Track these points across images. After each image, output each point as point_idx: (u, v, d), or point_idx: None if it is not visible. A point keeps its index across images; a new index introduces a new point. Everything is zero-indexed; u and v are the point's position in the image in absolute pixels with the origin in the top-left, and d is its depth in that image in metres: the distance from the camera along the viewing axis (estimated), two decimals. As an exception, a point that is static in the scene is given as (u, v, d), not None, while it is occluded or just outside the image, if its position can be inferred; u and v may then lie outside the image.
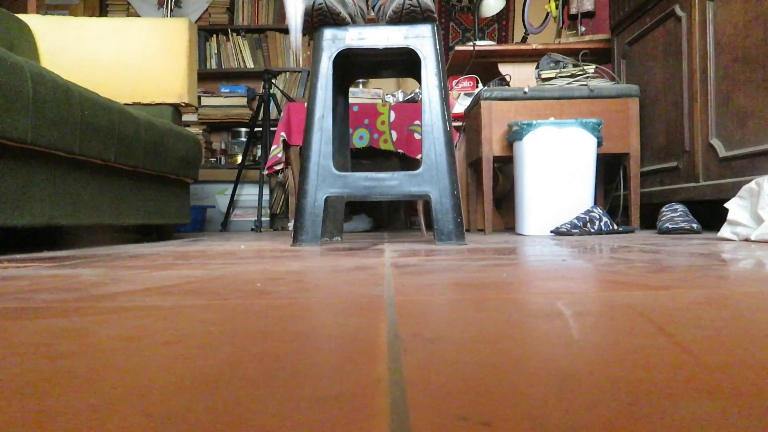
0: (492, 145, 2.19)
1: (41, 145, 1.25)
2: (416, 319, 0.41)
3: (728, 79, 1.79)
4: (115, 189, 1.64)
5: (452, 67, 2.84)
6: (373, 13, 1.71)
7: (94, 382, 0.26)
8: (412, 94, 2.78)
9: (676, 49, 2.05)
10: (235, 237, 2.25)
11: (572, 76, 2.27)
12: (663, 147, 2.18)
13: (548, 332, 0.36)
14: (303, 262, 0.91)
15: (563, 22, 2.78)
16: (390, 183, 1.42)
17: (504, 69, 2.70)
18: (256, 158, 3.69)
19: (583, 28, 2.77)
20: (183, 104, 2.13)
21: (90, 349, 0.33)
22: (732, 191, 1.60)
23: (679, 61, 2.04)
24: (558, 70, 2.28)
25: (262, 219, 3.50)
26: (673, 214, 1.84)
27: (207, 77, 3.92)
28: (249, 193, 3.56)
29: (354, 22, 1.52)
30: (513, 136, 2.04)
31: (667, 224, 1.81)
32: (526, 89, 2.19)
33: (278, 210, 3.72)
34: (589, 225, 1.88)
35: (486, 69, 2.83)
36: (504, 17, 3.98)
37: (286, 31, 3.84)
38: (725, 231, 1.38)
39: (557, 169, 1.94)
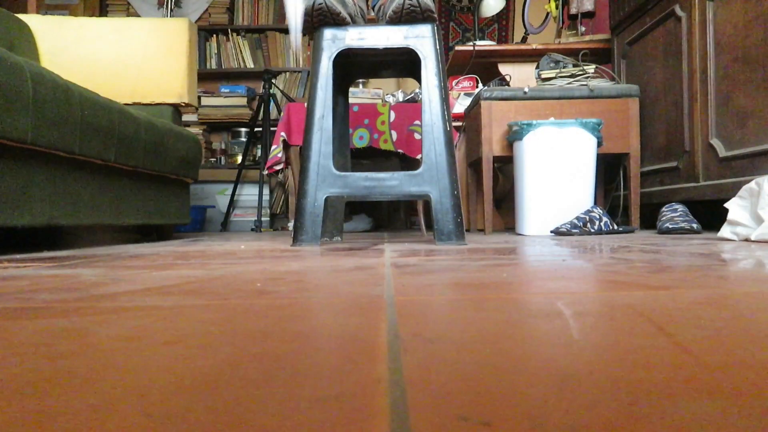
0: (492, 145, 2.19)
1: (41, 145, 1.25)
2: (416, 319, 0.41)
3: (728, 79, 1.79)
4: (115, 189, 1.64)
5: (452, 67, 2.84)
6: (373, 13, 1.71)
7: (94, 382, 0.26)
8: (412, 94, 2.78)
9: (676, 49, 2.05)
10: (235, 237, 2.25)
11: (572, 76, 2.27)
12: (663, 147, 2.18)
13: (548, 332, 0.36)
14: (303, 262, 0.91)
15: (563, 22, 2.78)
16: (390, 183, 1.42)
17: (504, 69, 2.70)
18: (256, 158, 3.69)
19: (583, 28, 2.77)
20: (183, 104, 2.13)
21: (90, 349, 0.33)
22: (732, 191, 1.60)
23: (679, 61, 2.04)
24: (558, 70, 2.28)
25: (262, 219, 3.50)
26: (673, 214, 1.84)
27: (207, 77, 3.92)
28: (249, 193, 3.55)
29: (354, 22, 1.52)
30: (513, 136, 2.04)
31: (667, 224, 1.81)
32: (526, 89, 2.19)
33: (278, 210, 3.72)
34: (589, 225, 1.88)
35: (486, 69, 2.83)
36: (504, 17, 3.98)
37: (286, 31, 3.84)
38: (725, 231, 1.38)
39: (557, 169, 1.94)
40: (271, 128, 3.28)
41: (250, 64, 3.82)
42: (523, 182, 2.01)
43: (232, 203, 3.35)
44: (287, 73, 3.83)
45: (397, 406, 0.22)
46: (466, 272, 0.72)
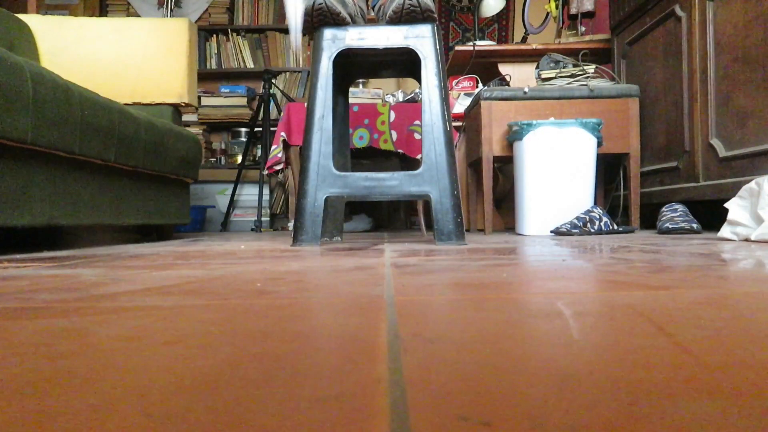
0: (492, 145, 2.19)
1: (41, 145, 1.25)
2: (416, 319, 0.41)
3: (728, 79, 1.79)
4: (115, 189, 1.64)
5: (452, 67, 2.84)
6: (373, 13, 1.71)
7: (94, 382, 0.26)
8: (412, 94, 2.78)
9: (676, 49, 2.05)
10: (235, 237, 2.25)
11: (572, 76, 2.27)
12: (663, 147, 2.18)
13: (548, 332, 0.36)
14: (303, 262, 0.91)
15: (563, 22, 2.78)
16: (390, 183, 1.42)
17: (504, 69, 2.70)
18: (256, 158, 3.69)
19: (583, 28, 2.77)
20: (183, 104, 2.13)
21: (90, 349, 0.33)
22: (732, 191, 1.60)
23: (679, 61, 2.04)
24: (558, 70, 2.28)
25: (262, 219, 3.50)
26: (673, 214, 1.85)
27: (207, 77, 3.92)
28: (249, 193, 3.55)
29: (354, 22, 1.52)
30: (513, 136, 2.04)
31: (667, 224, 1.81)
32: (526, 89, 2.19)
33: (278, 210, 3.73)
34: (589, 225, 1.88)
35: (486, 69, 2.83)
36: (504, 17, 3.98)
37: (286, 31, 3.84)
38: (725, 231, 1.38)
39: (557, 169, 1.94)
40: (271, 128, 3.28)
41: (250, 64, 3.82)
42: (523, 182, 2.01)
43: (232, 203, 3.35)
44: (287, 73, 3.83)
45: (397, 406, 0.22)
46: (466, 272, 0.72)
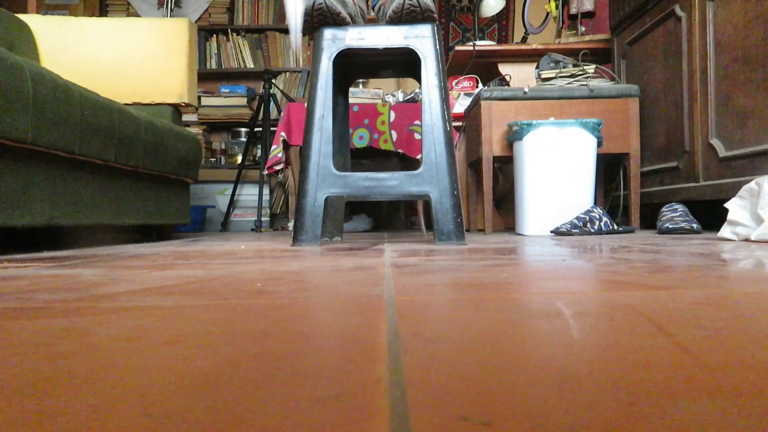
0: (492, 145, 2.19)
1: (41, 145, 1.25)
2: (416, 319, 0.41)
3: (728, 79, 1.79)
4: (115, 189, 1.64)
5: (452, 67, 2.84)
6: (373, 13, 1.71)
7: (94, 382, 0.26)
8: (412, 94, 2.78)
9: (676, 49, 2.05)
10: (235, 237, 2.25)
11: (572, 76, 2.27)
12: (663, 147, 2.18)
13: (548, 332, 0.36)
14: (303, 262, 0.91)
15: (563, 22, 2.78)
16: (390, 183, 1.42)
17: (504, 69, 2.70)
18: (256, 158, 3.69)
19: (583, 28, 2.77)
20: (183, 104, 2.13)
21: (90, 349, 0.33)
22: (732, 191, 1.60)
23: (679, 61, 2.04)
24: (558, 70, 2.28)
25: (262, 219, 3.50)
26: (673, 214, 1.85)
27: (207, 77, 3.92)
28: (249, 193, 3.56)
29: (354, 22, 1.52)
30: (513, 136, 2.04)
31: (667, 224, 1.81)
32: (526, 89, 2.19)
33: (278, 210, 3.73)
34: (589, 225, 1.88)
35: (486, 69, 2.83)
36: (504, 17, 3.98)
37: (286, 31, 3.84)
38: (725, 231, 1.38)
39: (557, 169, 1.94)
40: (271, 128, 3.28)
41: (250, 64, 3.82)
42: (523, 182, 2.01)
43: (232, 203, 3.35)
44: (287, 73, 3.83)
45: (397, 406, 0.22)
46: (466, 272, 0.72)
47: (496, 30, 3.99)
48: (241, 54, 3.83)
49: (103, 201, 1.57)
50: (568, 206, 1.94)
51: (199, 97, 3.65)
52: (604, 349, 0.31)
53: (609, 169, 2.51)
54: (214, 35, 3.84)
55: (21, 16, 2.01)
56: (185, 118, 3.67)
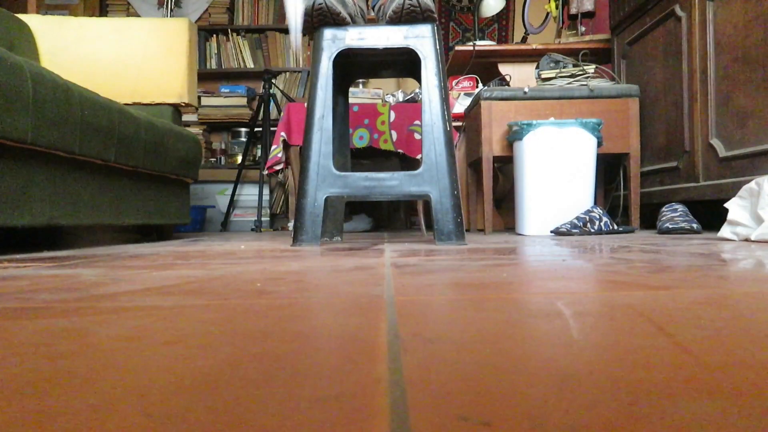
0: (492, 145, 2.19)
1: (41, 145, 1.25)
2: (416, 319, 0.41)
3: (728, 79, 1.79)
4: (115, 189, 1.64)
5: (452, 67, 2.84)
6: (373, 13, 1.71)
7: (94, 382, 0.26)
8: (412, 94, 2.78)
9: (676, 49, 2.05)
10: (235, 237, 2.25)
11: (572, 76, 2.27)
12: (663, 147, 2.18)
13: (548, 332, 0.36)
14: (303, 262, 0.91)
15: (563, 22, 2.78)
16: (390, 183, 1.42)
17: (504, 69, 2.70)
18: (256, 158, 3.69)
19: (583, 28, 2.77)
20: (183, 104, 2.13)
21: (90, 349, 0.33)
22: (732, 191, 1.60)
23: (679, 61, 2.04)
24: (558, 70, 2.28)
25: (262, 219, 3.50)
26: (673, 214, 1.85)
27: (207, 77, 3.92)
28: (249, 193, 3.55)
29: (354, 22, 1.52)
30: (513, 136, 2.04)
31: (667, 224, 1.81)
32: (526, 89, 2.19)
33: (278, 210, 3.73)
34: (589, 225, 1.88)
35: (486, 69, 2.83)
36: (504, 17, 3.98)
37: (286, 31, 3.84)
38: (725, 231, 1.38)
39: (557, 169, 1.94)
40: (271, 128, 3.28)
41: (250, 64, 3.82)
42: (523, 182, 2.01)
43: (232, 203, 3.35)
44: (287, 73, 3.83)
45: (397, 406, 0.22)
46: (466, 272, 0.72)
47: (496, 30, 3.99)
48: (241, 54, 3.83)
49: (103, 201, 1.57)
50: (568, 206, 1.94)
51: (199, 97, 3.65)
52: (604, 349, 0.31)
53: (609, 169, 2.51)
54: (214, 35, 3.84)
55: (21, 16, 2.01)
56: (185, 118, 3.67)
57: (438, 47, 1.45)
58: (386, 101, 2.88)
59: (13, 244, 1.65)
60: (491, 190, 2.21)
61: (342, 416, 0.21)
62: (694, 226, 1.77)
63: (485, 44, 2.70)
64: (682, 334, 0.35)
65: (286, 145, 2.46)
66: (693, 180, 1.96)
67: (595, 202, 2.32)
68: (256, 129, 3.50)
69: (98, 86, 2.06)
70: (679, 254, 0.96)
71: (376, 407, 0.22)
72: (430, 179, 1.40)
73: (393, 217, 3.33)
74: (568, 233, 1.85)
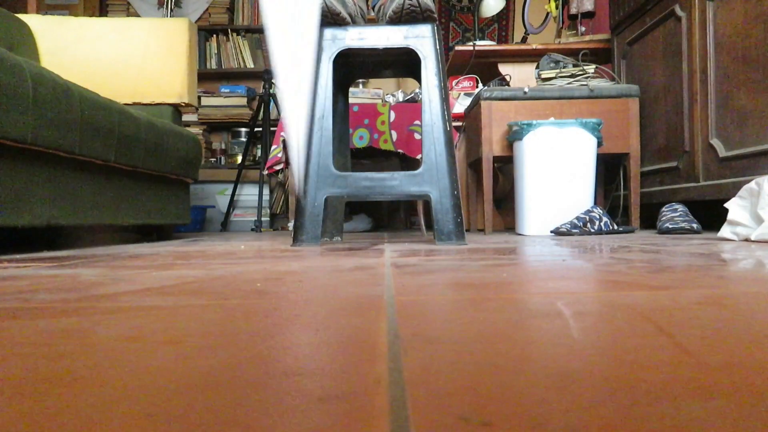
0: (492, 145, 2.19)
1: (41, 145, 1.25)
2: (416, 319, 0.41)
3: (728, 79, 1.79)
4: (115, 189, 1.64)
5: (452, 67, 2.84)
6: (373, 13, 1.71)
7: (94, 382, 0.26)
8: (412, 94, 2.78)
9: (676, 49, 2.05)
10: (235, 237, 2.25)
11: (572, 76, 2.27)
12: (663, 147, 2.18)
13: (548, 332, 0.36)
14: (303, 262, 0.91)
15: (563, 22, 2.78)
16: (390, 183, 1.42)
17: (504, 69, 2.70)
18: (256, 158, 3.69)
19: (583, 28, 2.77)
20: (183, 104, 2.13)
21: (90, 349, 0.33)
22: (732, 191, 1.60)
23: (679, 61, 2.04)
24: (558, 70, 2.28)
25: (262, 219, 3.50)
26: (673, 214, 1.85)
27: (207, 77, 3.92)
28: (249, 193, 3.56)
29: (354, 22, 1.52)
30: (513, 136, 2.04)
31: (667, 224, 1.81)
32: (526, 89, 2.19)
33: (278, 210, 3.73)
34: (589, 225, 1.88)
35: (486, 69, 2.83)
36: (504, 17, 3.98)
37: (286, 31, 3.83)
38: (725, 231, 1.38)
39: (557, 169, 1.94)
40: (271, 128, 3.28)
41: (250, 64, 3.82)
42: (523, 182, 2.01)
43: (232, 203, 3.35)
44: (287, 73, 3.83)
45: (398, 406, 0.22)
46: (466, 272, 0.72)
47: (496, 30, 3.99)
48: (241, 54, 3.83)
49: (103, 201, 1.57)
50: (568, 206, 1.94)
51: (199, 97, 3.65)
52: (604, 349, 0.31)
53: (609, 169, 2.51)
54: (214, 35, 3.84)
55: (21, 16, 2.01)
56: (185, 118, 3.67)
57: (438, 47, 1.45)
58: (386, 101, 2.88)
59: (13, 244, 1.65)
60: (491, 190, 2.21)
61: (342, 416, 0.21)
62: (694, 226, 1.77)
63: (485, 44, 2.70)
64: (682, 334, 0.35)
65: (286, 145, 2.46)
66: (693, 180, 1.96)
67: (595, 202, 2.32)
68: (256, 129, 3.50)
69: (98, 86, 2.06)
70: (679, 254, 0.96)
71: (376, 407, 0.22)
72: (430, 179, 1.40)
73: (393, 217, 3.33)
74: (568, 233, 1.85)
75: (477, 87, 2.80)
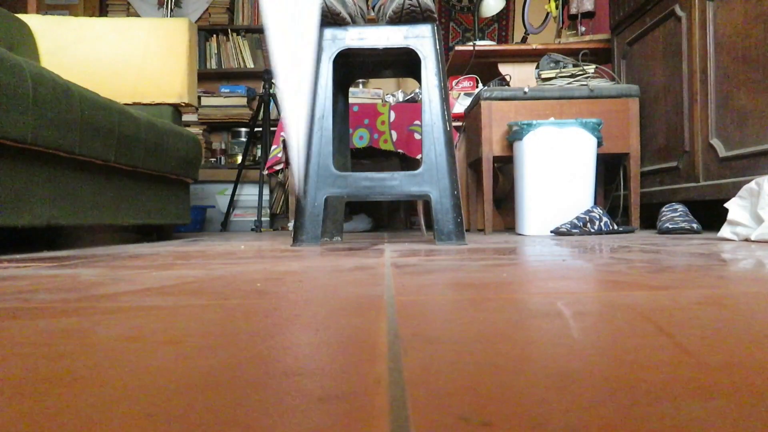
0: (492, 145, 2.19)
1: (41, 145, 1.25)
2: (416, 319, 0.41)
3: (728, 79, 1.79)
4: (115, 189, 1.64)
5: (452, 67, 2.84)
6: (373, 13, 1.71)
7: (94, 382, 0.26)
8: (412, 94, 2.78)
9: (676, 49, 2.05)
10: (235, 237, 2.25)
11: (572, 76, 2.27)
12: (663, 147, 2.18)
13: (548, 332, 0.36)
14: (303, 262, 0.91)
15: (563, 22, 2.78)
16: (390, 183, 1.42)
17: (504, 69, 2.70)
18: (256, 158, 3.69)
19: (583, 28, 2.77)
20: (183, 104, 2.13)
21: (90, 349, 0.33)
22: (732, 191, 1.60)
23: (679, 61, 2.04)
24: (558, 70, 2.28)
25: (262, 219, 3.50)
26: (673, 214, 1.85)
27: (207, 77, 3.92)
28: (249, 193, 3.55)
29: (354, 22, 1.52)
30: (513, 136, 2.04)
31: (667, 224, 1.81)
32: (526, 89, 2.19)
33: (278, 210, 3.73)
34: (589, 225, 1.88)
35: (486, 69, 2.83)
36: (504, 17, 3.98)
37: (286, 31, 3.83)
38: (725, 231, 1.38)
39: (557, 169, 1.94)
40: (271, 128, 3.28)
41: (250, 64, 3.82)
42: (523, 182, 2.01)
43: (232, 203, 3.35)
44: (287, 73, 3.83)
45: (398, 406, 0.22)
46: (466, 272, 0.72)
47: (496, 30, 3.99)
48: (241, 54, 3.83)
49: (103, 201, 1.57)
50: (568, 206, 1.94)
51: (199, 97, 3.65)
52: (604, 349, 0.31)
53: (609, 169, 2.51)
54: (214, 35, 3.84)
55: (21, 16, 2.01)
56: (185, 118, 3.67)
57: (438, 47, 1.45)
58: (386, 101, 2.88)
59: (13, 244, 1.65)
60: (491, 190, 2.21)
61: (342, 416, 0.21)
62: (694, 226, 1.77)
63: (485, 44, 2.70)
64: (682, 334, 0.35)
65: (286, 145, 2.46)
66: (693, 180, 1.96)
67: (595, 202, 2.32)
68: (256, 129, 3.50)
69: (98, 86, 2.06)
70: (679, 254, 0.96)
71: (376, 407, 0.22)
72: (430, 179, 1.40)
73: (393, 217, 3.33)
74: (568, 233, 1.85)
75: (477, 87, 2.80)
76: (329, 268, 0.80)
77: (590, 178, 1.97)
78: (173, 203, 2.06)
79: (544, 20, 2.83)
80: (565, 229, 1.87)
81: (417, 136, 2.40)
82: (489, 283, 0.60)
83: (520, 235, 2.01)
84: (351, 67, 1.76)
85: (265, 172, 2.74)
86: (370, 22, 1.54)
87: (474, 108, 2.37)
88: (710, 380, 0.25)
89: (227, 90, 3.70)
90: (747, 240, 1.31)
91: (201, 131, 3.68)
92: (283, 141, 2.44)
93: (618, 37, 2.52)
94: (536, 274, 0.68)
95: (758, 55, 1.65)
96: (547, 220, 1.95)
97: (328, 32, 1.47)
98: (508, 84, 2.66)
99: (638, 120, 2.18)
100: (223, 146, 3.86)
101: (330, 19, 1.44)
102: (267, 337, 0.36)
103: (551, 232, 1.92)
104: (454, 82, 2.82)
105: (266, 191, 3.57)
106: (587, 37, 2.70)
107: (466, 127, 2.59)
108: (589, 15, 2.69)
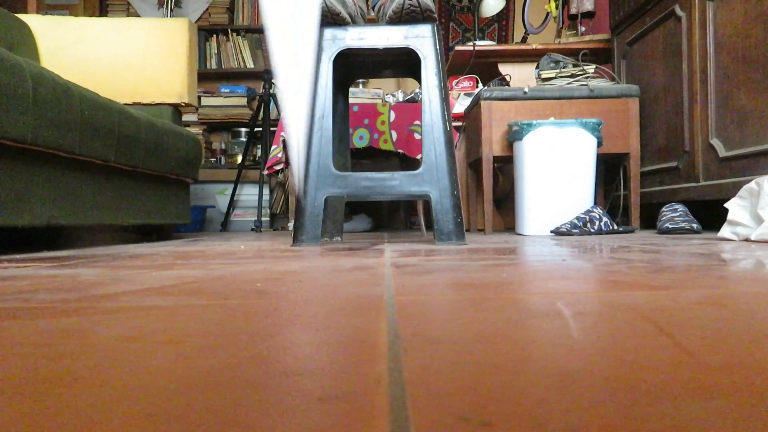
0: (492, 145, 2.19)
1: (41, 145, 1.25)
2: (416, 319, 0.41)
3: (728, 79, 1.79)
4: (115, 189, 1.64)
5: (452, 67, 2.84)
6: (373, 13, 1.71)
7: (94, 382, 0.26)
8: (412, 94, 2.78)
9: (676, 49, 2.05)
10: (235, 237, 2.25)
11: (572, 76, 2.27)
12: (663, 147, 2.18)
13: (548, 332, 0.36)
14: (303, 262, 0.91)
15: (563, 22, 2.78)
16: (390, 183, 1.42)
17: (504, 69, 2.70)
18: (256, 158, 3.69)
19: (583, 28, 2.77)
20: (183, 104, 2.13)
21: (90, 349, 0.33)
22: (732, 191, 1.60)
23: (679, 61, 2.04)
24: (558, 70, 2.28)
25: (262, 219, 3.50)
26: (673, 214, 1.84)
27: (207, 77, 3.92)
28: (249, 193, 3.55)
29: (354, 22, 1.52)
30: (513, 136, 2.04)
31: (667, 224, 1.81)
32: (526, 89, 2.19)
33: (278, 210, 3.73)
34: (589, 225, 1.88)
35: (486, 69, 2.83)
36: (504, 17, 3.98)
37: (286, 31, 3.83)
38: (725, 231, 1.38)
39: (557, 169, 1.94)
40: (271, 128, 3.28)
41: (250, 64, 3.82)
42: (523, 182, 2.01)
43: (232, 203, 3.35)
44: (287, 73, 3.83)
45: (398, 406, 0.22)
46: (466, 272, 0.72)
47: (496, 30, 3.99)
48: (241, 54, 3.83)
49: (103, 201, 1.57)
50: (568, 206, 1.94)
51: (199, 97, 3.65)
52: (604, 349, 0.31)
53: (609, 169, 2.50)
54: (214, 35, 3.84)
55: (21, 16, 2.01)
56: (185, 118, 3.67)
57: (438, 47, 1.45)
58: (386, 101, 2.88)
59: (13, 244, 1.65)
60: (491, 190, 2.21)
61: (342, 416, 0.21)
62: (694, 226, 1.77)
63: (485, 44, 2.70)
64: (682, 334, 0.35)
65: (286, 145, 2.46)
66: (693, 180, 1.96)
67: (595, 202, 2.32)
68: (256, 129, 3.50)
69: (98, 86, 2.06)
70: (679, 254, 0.96)
71: (376, 407, 0.22)
72: (430, 179, 1.40)
73: (393, 217, 3.33)
74: (568, 233, 1.85)
75: (477, 87, 2.80)
76: (329, 268, 0.80)
77: (590, 178, 1.97)
78: (173, 203, 2.06)
79: (544, 20, 2.83)
80: (565, 229, 1.87)
81: (417, 136, 2.40)
82: (489, 283, 0.60)
83: (520, 235, 2.01)
84: (351, 67, 1.76)
85: (265, 172, 2.74)
86: (370, 22, 1.54)
87: (474, 108, 2.37)
88: (710, 380, 0.25)
89: (227, 90, 3.70)
90: (747, 240, 1.31)
91: (201, 131, 3.68)
92: (283, 141, 2.44)
93: (618, 37, 2.52)
94: (536, 274, 0.68)
95: (758, 55, 1.65)
96: (547, 220, 1.95)
97: (328, 32, 1.47)
98: (508, 84, 2.66)
99: (638, 120, 2.18)
100: (223, 146, 3.86)
101: (330, 19, 1.44)
102: (267, 337, 0.36)
103: (551, 232, 1.92)
104: (454, 82, 2.82)
105: (266, 191, 3.57)
106: (587, 37, 2.70)
107: (466, 127, 2.59)
108: (589, 15, 2.69)
